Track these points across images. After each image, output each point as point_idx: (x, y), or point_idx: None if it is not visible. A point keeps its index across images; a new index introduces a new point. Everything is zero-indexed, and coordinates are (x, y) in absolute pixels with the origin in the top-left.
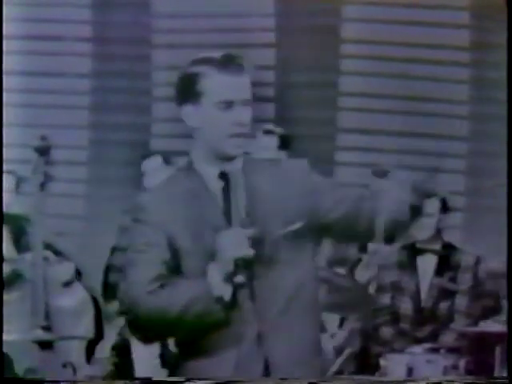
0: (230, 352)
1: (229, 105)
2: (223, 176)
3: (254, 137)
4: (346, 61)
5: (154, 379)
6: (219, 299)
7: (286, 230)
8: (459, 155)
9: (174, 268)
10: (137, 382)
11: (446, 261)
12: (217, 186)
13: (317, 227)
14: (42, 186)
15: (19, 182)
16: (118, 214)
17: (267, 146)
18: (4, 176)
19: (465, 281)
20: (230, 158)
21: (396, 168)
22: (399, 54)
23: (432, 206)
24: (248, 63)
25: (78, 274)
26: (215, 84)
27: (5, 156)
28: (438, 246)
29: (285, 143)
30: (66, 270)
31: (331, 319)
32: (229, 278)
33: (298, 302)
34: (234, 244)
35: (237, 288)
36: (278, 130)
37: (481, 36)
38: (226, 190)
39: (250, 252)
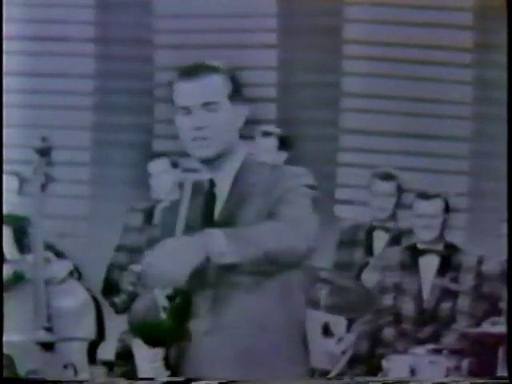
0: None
1: (186, 109)
2: (210, 182)
3: (252, 139)
4: (349, 61)
5: (156, 379)
6: (164, 309)
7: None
8: (462, 156)
9: None
10: (139, 382)
11: (448, 261)
12: (205, 191)
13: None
14: (43, 186)
15: (21, 182)
16: (121, 214)
17: (266, 147)
18: (6, 177)
19: (467, 281)
20: (205, 161)
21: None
22: (402, 55)
23: (435, 206)
24: (217, 67)
25: (79, 274)
26: (176, 92)
27: (7, 157)
28: (440, 247)
29: (284, 144)
30: (58, 268)
31: (337, 323)
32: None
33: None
34: (164, 257)
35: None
36: (277, 131)
37: (484, 37)
38: (210, 197)
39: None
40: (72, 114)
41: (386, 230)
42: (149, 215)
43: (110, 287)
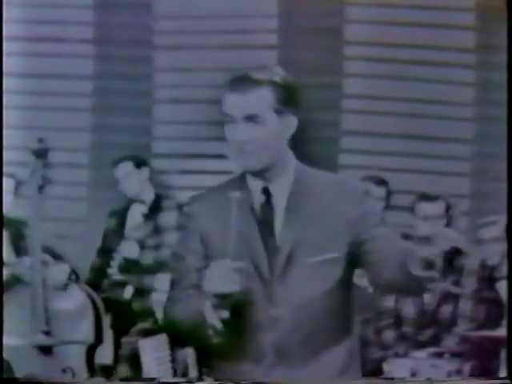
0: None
1: (230, 120)
2: (265, 191)
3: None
4: (350, 62)
5: (160, 380)
6: (212, 326)
7: (316, 259)
8: (464, 158)
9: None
10: (134, 383)
11: (450, 264)
12: (259, 201)
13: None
14: (41, 189)
15: (17, 184)
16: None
17: None
18: (4, 179)
19: (469, 284)
20: (254, 173)
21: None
22: (403, 56)
23: (437, 208)
24: (264, 80)
25: (77, 277)
26: (225, 102)
27: (6, 158)
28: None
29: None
30: (59, 273)
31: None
32: (215, 311)
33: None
34: (218, 278)
35: (222, 322)
36: None
37: (486, 38)
38: (268, 208)
39: (233, 288)
40: (71, 116)
41: None
42: (122, 217)
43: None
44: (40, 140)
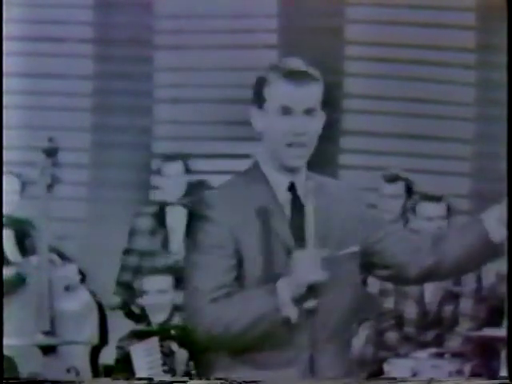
0: (280, 370)
1: (287, 112)
2: (292, 188)
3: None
4: (350, 62)
5: (156, 379)
6: (286, 320)
7: (343, 252)
8: (464, 158)
9: (237, 277)
10: (138, 381)
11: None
12: (286, 197)
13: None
14: (50, 188)
15: (24, 184)
16: (121, 216)
17: None
18: (6, 178)
19: (469, 284)
20: (290, 169)
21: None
22: (404, 56)
23: (439, 208)
24: (316, 75)
25: (82, 277)
26: (277, 90)
27: (6, 158)
28: None
29: None
30: (68, 274)
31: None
32: (299, 301)
33: (342, 323)
34: (309, 267)
35: (305, 312)
36: None
37: (486, 37)
38: (296, 204)
39: (323, 276)
40: (71, 116)
41: None
42: (159, 217)
43: (124, 293)
44: (50, 139)
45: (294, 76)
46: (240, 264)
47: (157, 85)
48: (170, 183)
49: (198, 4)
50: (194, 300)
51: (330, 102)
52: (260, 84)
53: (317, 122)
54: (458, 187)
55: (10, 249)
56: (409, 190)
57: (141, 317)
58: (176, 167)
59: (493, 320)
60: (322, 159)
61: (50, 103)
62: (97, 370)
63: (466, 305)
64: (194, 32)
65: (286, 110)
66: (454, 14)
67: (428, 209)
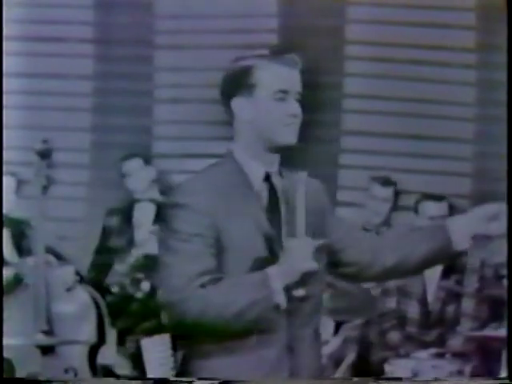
0: (257, 354)
1: (284, 95)
2: (268, 178)
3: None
4: (351, 62)
5: (164, 379)
6: (276, 307)
7: (318, 244)
8: (464, 158)
9: (219, 263)
10: (139, 381)
11: (453, 264)
12: (262, 186)
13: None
14: (45, 189)
15: (19, 184)
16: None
17: None
18: (4, 179)
19: (471, 283)
20: (278, 150)
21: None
22: (404, 56)
23: (441, 208)
24: (297, 59)
25: (79, 277)
26: (270, 74)
27: (6, 158)
28: None
29: None
30: (66, 275)
31: (326, 325)
32: (290, 289)
33: (315, 311)
34: (302, 255)
35: (295, 300)
36: None
37: (486, 37)
38: (272, 193)
39: (314, 265)
40: (71, 116)
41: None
42: (127, 215)
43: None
44: (44, 140)
45: (286, 60)
46: (221, 251)
47: (157, 85)
48: (133, 180)
49: (198, 4)
50: (177, 287)
51: (330, 102)
52: (245, 73)
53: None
54: (458, 187)
55: (7, 249)
56: (396, 195)
57: None
58: (135, 164)
59: (494, 320)
60: (322, 159)
61: (50, 103)
62: (95, 370)
63: (468, 305)
64: (194, 32)
65: (283, 92)
66: (454, 13)
67: (430, 208)
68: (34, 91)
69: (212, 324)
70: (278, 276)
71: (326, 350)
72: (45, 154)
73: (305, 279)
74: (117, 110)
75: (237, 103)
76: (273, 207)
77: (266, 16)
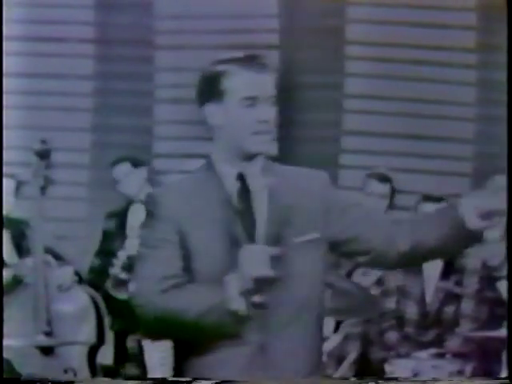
0: (231, 353)
1: (252, 101)
2: (241, 177)
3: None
4: (351, 62)
5: (162, 379)
6: (234, 313)
7: (300, 240)
8: (465, 158)
9: (185, 268)
10: (138, 381)
11: (452, 264)
12: (234, 187)
13: (330, 243)
14: (43, 189)
15: (19, 185)
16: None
17: None
18: (4, 179)
19: (470, 284)
20: (252, 157)
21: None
22: (404, 56)
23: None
24: (271, 63)
25: (79, 278)
26: (239, 81)
27: (6, 159)
28: None
29: None
30: (64, 275)
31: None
32: (246, 295)
33: (305, 311)
34: (256, 262)
35: (252, 306)
36: None
37: (487, 37)
38: (245, 196)
39: (270, 273)
40: (71, 116)
41: None
42: (123, 217)
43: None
44: (43, 141)
45: (254, 64)
46: (187, 257)
47: (157, 85)
48: (123, 185)
49: (198, 4)
50: (144, 290)
51: (331, 102)
52: (216, 79)
53: (274, 110)
54: (458, 187)
55: (7, 250)
56: (393, 192)
57: None
58: (124, 168)
59: (493, 321)
60: (322, 159)
61: (49, 103)
62: (94, 370)
63: (467, 305)
64: (194, 32)
65: (252, 99)
66: (455, 14)
67: (430, 209)
68: (34, 91)
69: (173, 327)
70: (233, 282)
71: (326, 346)
72: (43, 155)
73: (260, 286)
74: (117, 110)
75: (208, 109)
76: (245, 210)
77: (266, 16)
